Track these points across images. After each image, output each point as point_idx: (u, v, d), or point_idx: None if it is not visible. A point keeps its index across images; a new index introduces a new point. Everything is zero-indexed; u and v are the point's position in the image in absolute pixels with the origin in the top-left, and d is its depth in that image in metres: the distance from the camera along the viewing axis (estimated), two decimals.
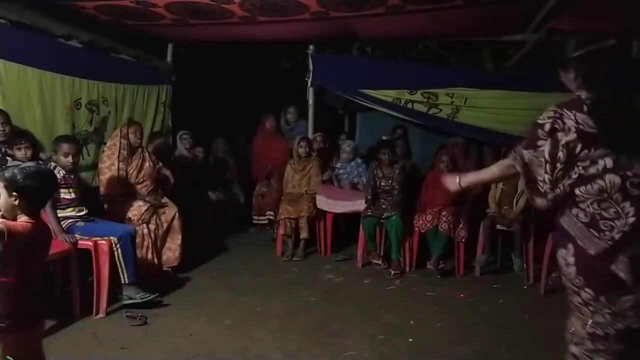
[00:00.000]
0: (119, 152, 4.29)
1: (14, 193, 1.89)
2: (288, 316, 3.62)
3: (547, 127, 1.92)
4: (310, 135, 5.92)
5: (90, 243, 3.54)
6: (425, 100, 5.73)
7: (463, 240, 4.67)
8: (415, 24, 5.01)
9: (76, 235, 3.61)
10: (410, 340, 3.26)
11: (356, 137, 6.97)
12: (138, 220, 4.19)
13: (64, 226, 3.63)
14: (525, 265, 4.55)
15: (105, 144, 4.62)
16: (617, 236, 1.85)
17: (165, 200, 4.54)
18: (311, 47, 5.92)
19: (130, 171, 4.38)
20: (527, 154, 1.99)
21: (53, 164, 3.67)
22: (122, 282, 3.66)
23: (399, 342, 3.22)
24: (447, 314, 3.73)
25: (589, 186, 1.88)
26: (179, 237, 4.44)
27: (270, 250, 5.36)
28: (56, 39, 4.37)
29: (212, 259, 5.01)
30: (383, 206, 4.93)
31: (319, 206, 5.23)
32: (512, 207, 4.64)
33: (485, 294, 4.19)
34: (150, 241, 4.22)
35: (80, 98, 4.59)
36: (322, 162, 5.61)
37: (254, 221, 6.09)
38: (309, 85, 5.97)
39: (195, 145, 5.83)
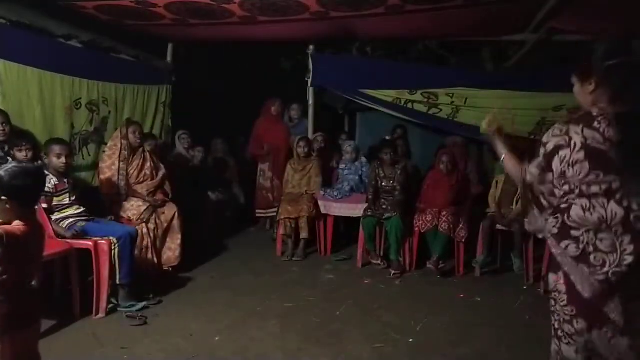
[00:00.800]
0: (120, 152, 4.30)
1: (3, 197, 1.85)
2: (288, 316, 3.62)
3: (550, 146, 1.75)
4: (310, 135, 5.92)
5: (90, 243, 3.54)
6: (425, 100, 5.73)
7: (463, 240, 4.67)
8: (415, 24, 5.01)
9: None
10: (411, 340, 3.26)
11: (356, 137, 6.98)
12: (137, 220, 4.20)
13: (65, 226, 3.65)
14: (525, 265, 4.55)
15: (105, 144, 4.63)
16: (612, 278, 1.66)
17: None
18: (311, 47, 5.92)
19: (131, 171, 4.38)
20: (528, 169, 1.84)
21: (46, 172, 3.61)
22: (116, 282, 3.64)
23: (399, 342, 3.23)
24: (447, 314, 3.73)
25: (587, 213, 1.69)
26: (179, 236, 4.44)
27: (270, 250, 5.36)
28: (56, 39, 4.37)
29: (212, 259, 5.01)
30: (384, 206, 4.93)
31: (323, 211, 5.26)
32: (512, 208, 4.64)
33: (485, 294, 4.19)
34: (149, 241, 4.22)
35: (80, 98, 4.59)
36: (322, 162, 5.61)
37: (257, 214, 6.09)
38: (309, 85, 5.97)
39: (195, 145, 5.84)
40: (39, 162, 3.76)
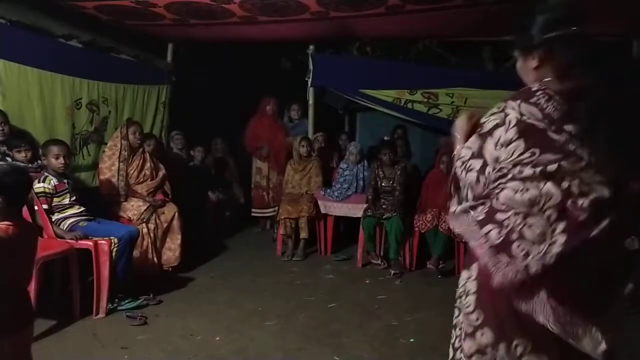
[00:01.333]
0: (120, 152, 4.30)
1: None
2: (288, 316, 3.62)
3: (487, 125, 1.49)
4: (310, 135, 5.93)
5: (90, 243, 3.54)
6: (425, 100, 5.74)
7: (463, 240, 4.67)
8: (415, 24, 5.01)
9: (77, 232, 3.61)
10: (411, 340, 3.26)
11: (356, 137, 6.98)
12: (137, 220, 4.20)
13: (66, 226, 3.65)
14: None
15: (105, 144, 4.63)
16: (533, 269, 1.37)
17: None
18: (311, 47, 5.92)
19: (131, 172, 4.39)
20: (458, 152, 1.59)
21: (45, 173, 3.63)
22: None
23: (399, 342, 3.22)
24: (447, 314, 3.71)
25: (518, 194, 1.41)
26: (179, 237, 4.45)
27: (270, 250, 5.36)
28: (56, 39, 4.37)
29: (212, 259, 5.01)
30: (384, 206, 4.93)
31: (323, 211, 5.27)
32: None
33: None
34: (149, 241, 4.23)
35: (81, 98, 4.59)
36: (322, 162, 5.61)
37: (253, 214, 6.09)
38: (309, 85, 5.97)
39: (195, 145, 5.85)
40: (38, 162, 3.76)
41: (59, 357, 2.87)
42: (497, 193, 1.45)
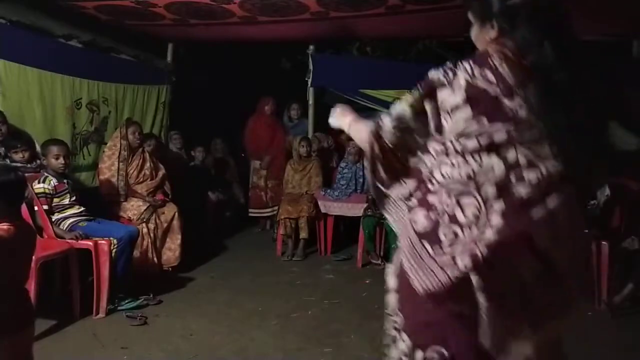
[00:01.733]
0: (119, 152, 4.31)
1: None
2: (288, 316, 3.62)
3: (431, 83, 1.29)
4: (310, 134, 5.93)
5: (90, 243, 3.53)
6: None
7: None
8: (415, 24, 5.01)
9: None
10: None
11: None
12: (137, 220, 4.21)
13: (66, 226, 3.65)
14: None
15: (105, 144, 4.63)
16: (461, 264, 1.13)
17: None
18: (311, 47, 5.93)
19: (131, 171, 4.39)
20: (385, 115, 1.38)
21: (45, 174, 3.62)
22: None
23: None
24: None
25: (455, 169, 1.21)
26: (179, 237, 4.45)
27: (270, 250, 5.36)
28: (56, 39, 4.37)
29: (212, 259, 5.01)
30: None
31: (322, 210, 5.26)
32: None
33: None
34: (149, 241, 4.23)
35: (81, 98, 4.60)
36: (322, 162, 5.62)
37: (250, 214, 6.08)
38: (309, 85, 5.98)
39: (195, 145, 5.85)
40: (37, 161, 3.76)
41: (59, 357, 2.87)
42: (435, 171, 1.25)
